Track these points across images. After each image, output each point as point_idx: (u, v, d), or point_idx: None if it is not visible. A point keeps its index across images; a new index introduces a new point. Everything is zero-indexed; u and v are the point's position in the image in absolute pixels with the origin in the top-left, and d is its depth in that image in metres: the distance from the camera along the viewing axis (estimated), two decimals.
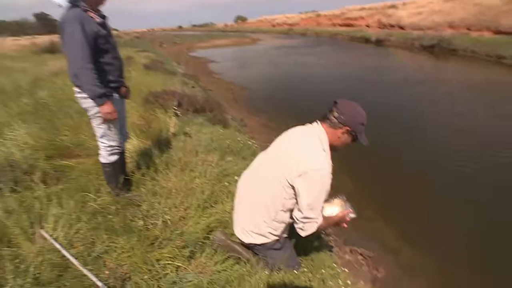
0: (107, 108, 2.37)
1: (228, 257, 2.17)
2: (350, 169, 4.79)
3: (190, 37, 46.80)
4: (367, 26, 35.92)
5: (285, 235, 2.12)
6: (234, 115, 7.58)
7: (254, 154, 3.70)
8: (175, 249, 2.25)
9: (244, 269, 2.07)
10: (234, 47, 31.56)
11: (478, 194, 4.38)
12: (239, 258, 2.15)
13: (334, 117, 1.88)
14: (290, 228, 2.15)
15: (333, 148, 1.94)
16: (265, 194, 1.98)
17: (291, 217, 2.03)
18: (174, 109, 4.27)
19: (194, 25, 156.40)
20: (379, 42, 26.34)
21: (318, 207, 1.87)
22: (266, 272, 2.04)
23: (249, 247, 2.15)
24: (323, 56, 20.98)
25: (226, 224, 2.44)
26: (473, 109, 7.93)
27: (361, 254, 3.51)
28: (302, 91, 11.21)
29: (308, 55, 21.22)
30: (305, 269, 2.24)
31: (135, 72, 8.80)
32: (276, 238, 2.07)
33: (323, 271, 2.27)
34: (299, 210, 1.89)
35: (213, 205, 2.71)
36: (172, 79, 9.06)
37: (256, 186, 2.06)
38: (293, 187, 1.86)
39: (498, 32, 20.38)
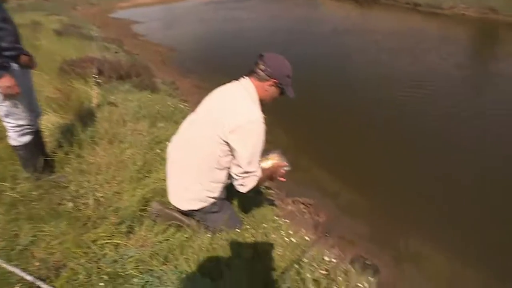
0: (5, 81, 2.04)
1: (169, 226, 2.10)
2: (283, 122, 4.88)
3: None
4: None
5: (222, 197, 2.09)
6: (164, 79, 7.19)
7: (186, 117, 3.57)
8: (111, 226, 2.11)
9: (186, 236, 2.03)
10: (159, 5, 29.31)
11: (405, 133, 4.78)
12: (180, 225, 2.09)
13: (260, 70, 1.87)
14: (227, 189, 2.12)
15: (261, 101, 1.93)
16: (198, 155, 1.92)
17: (227, 176, 2.01)
18: (94, 77, 3.89)
19: None
20: None
21: (256, 160, 1.86)
22: (208, 235, 2.02)
23: (187, 214, 2.09)
24: (253, 9, 20.47)
25: (163, 193, 2.34)
26: (397, 57, 8.37)
27: (302, 203, 3.66)
28: (234, 47, 10.94)
29: (238, 10, 20.53)
30: (247, 226, 2.26)
31: (45, 39, 7.81)
32: (213, 200, 2.04)
33: (265, 225, 2.31)
34: (238, 165, 1.87)
35: (147, 175, 2.58)
36: (90, 44, 8.25)
37: (187, 148, 1.99)
38: (227, 144, 1.83)
39: None
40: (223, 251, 1.99)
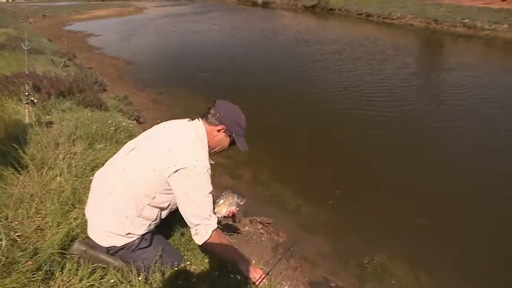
0: None
1: (95, 268, 1.76)
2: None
3: (64, 8, 40.81)
4: None
5: (152, 230, 1.83)
6: (117, 93, 6.73)
7: (132, 136, 3.22)
8: (25, 273, 1.74)
9: (115, 278, 1.69)
10: (117, 17, 28.54)
11: (368, 146, 4.67)
12: (107, 267, 1.75)
13: (211, 114, 1.79)
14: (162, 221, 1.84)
15: (210, 148, 1.82)
16: (130, 186, 1.66)
17: (159, 216, 1.79)
18: (26, 94, 3.45)
19: None
20: (265, 5, 26.65)
21: (204, 210, 1.67)
22: (139, 279, 1.70)
23: (113, 253, 1.76)
24: (213, 22, 20.31)
25: None
26: (355, 65, 8.45)
27: (260, 223, 3.40)
28: (193, 60, 10.64)
29: (197, 22, 20.30)
30: (189, 262, 1.95)
31: None
32: (140, 237, 1.76)
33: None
34: (186, 215, 1.69)
35: (77, 206, 2.21)
36: (36, 59, 7.62)
37: (119, 177, 1.71)
38: (167, 183, 1.65)
39: None
40: None
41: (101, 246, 1.76)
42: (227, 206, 2.00)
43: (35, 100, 3.58)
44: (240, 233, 3.02)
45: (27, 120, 3.42)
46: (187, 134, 1.74)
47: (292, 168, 4.30)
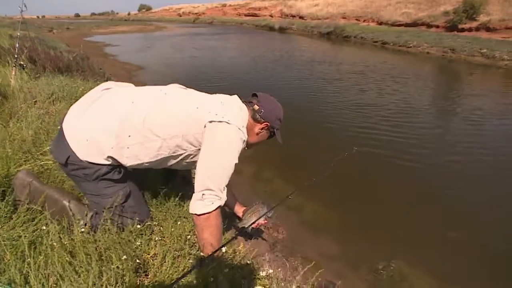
0: None
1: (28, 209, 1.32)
2: None
3: (88, 23, 41.86)
4: (271, 16, 37.16)
5: (130, 171, 1.51)
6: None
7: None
8: None
9: (52, 229, 1.25)
10: (137, 33, 29.13)
11: (387, 151, 4.18)
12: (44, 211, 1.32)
13: (254, 109, 1.68)
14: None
15: (247, 141, 1.68)
16: (155, 117, 1.47)
17: (157, 160, 1.54)
18: (15, 57, 3.13)
19: (94, 14, 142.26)
20: (282, 30, 26.99)
21: (220, 179, 1.47)
22: (85, 229, 1.25)
23: (70, 169, 1.39)
24: (230, 41, 20.46)
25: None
26: (374, 86, 8.11)
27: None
28: (208, 72, 10.39)
29: (214, 40, 20.48)
30: (155, 223, 1.50)
31: None
32: (114, 166, 1.44)
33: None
34: (202, 174, 1.47)
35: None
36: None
37: (145, 105, 1.50)
38: (201, 131, 1.49)
39: (380, 23, 22.87)
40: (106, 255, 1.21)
41: (64, 154, 1.40)
42: (256, 216, 1.97)
43: (25, 65, 3.24)
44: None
45: (12, 82, 3.08)
46: (232, 102, 1.65)
47: (296, 167, 3.83)
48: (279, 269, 2.41)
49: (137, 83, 7.25)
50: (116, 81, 1.97)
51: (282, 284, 2.23)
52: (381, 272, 2.42)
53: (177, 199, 1.89)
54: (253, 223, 1.96)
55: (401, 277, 2.38)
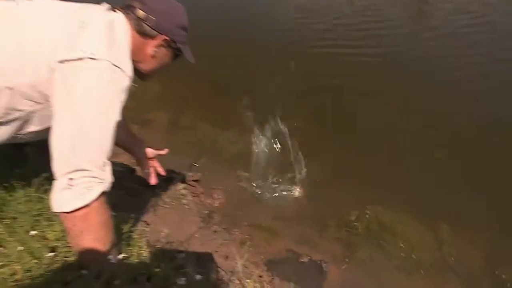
0: None
1: None
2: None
3: None
4: None
5: None
6: None
7: None
8: None
9: None
10: None
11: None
12: None
13: (140, 17, 1.15)
14: None
15: (139, 72, 1.22)
16: None
17: None
18: None
19: None
20: None
21: (103, 144, 1.04)
22: None
23: None
24: None
25: None
26: None
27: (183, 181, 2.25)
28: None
29: None
30: None
31: None
32: None
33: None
34: (60, 148, 1.02)
35: None
36: None
37: None
38: (49, 77, 1.01)
39: None
40: None
41: None
42: None
43: None
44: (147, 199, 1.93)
45: None
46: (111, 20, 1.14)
47: (226, 102, 2.94)
48: (218, 250, 1.81)
49: None
50: None
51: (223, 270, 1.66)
52: (354, 225, 1.87)
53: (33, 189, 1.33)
54: None
55: (380, 226, 1.87)
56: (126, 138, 1.56)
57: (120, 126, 1.13)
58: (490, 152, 2.42)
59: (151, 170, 1.62)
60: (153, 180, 1.61)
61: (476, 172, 2.26)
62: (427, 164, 2.25)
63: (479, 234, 1.83)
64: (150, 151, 1.62)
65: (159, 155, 1.66)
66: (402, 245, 1.82)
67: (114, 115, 1.05)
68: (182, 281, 1.10)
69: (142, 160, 1.61)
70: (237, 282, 1.49)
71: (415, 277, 1.75)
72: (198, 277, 1.20)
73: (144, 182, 2.04)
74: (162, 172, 1.66)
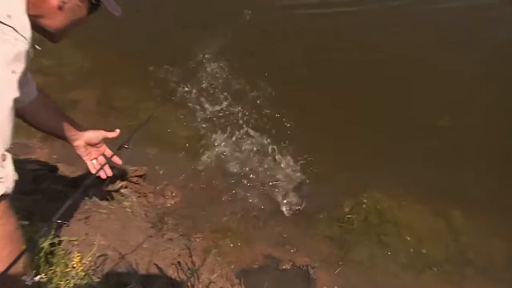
0: None
1: None
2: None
3: None
4: None
5: None
6: None
7: None
8: None
9: None
10: None
11: None
12: None
13: None
14: None
15: (44, 30, 1.00)
16: None
17: None
18: None
19: None
20: None
21: None
22: None
23: None
24: None
25: None
26: None
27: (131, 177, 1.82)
28: None
29: None
30: None
31: None
32: None
33: None
34: None
35: None
36: None
37: None
38: None
39: None
40: None
41: None
42: None
43: None
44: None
45: None
46: None
47: (172, 79, 2.45)
48: (173, 262, 1.46)
49: None
50: None
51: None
52: (349, 218, 1.53)
53: None
54: None
55: (381, 217, 1.55)
56: (52, 120, 1.27)
57: (39, 106, 1.06)
58: (505, 122, 2.21)
59: (99, 159, 1.33)
60: (103, 173, 1.30)
61: (490, 145, 1.99)
62: (430, 136, 1.95)
63: (499, 219, 1.57)
64: (93, 135, 1.32)
65: (107, 138, 1.36)
66: (408, 238, 1.57)
67: (8, 91, 0.83)
68: None
69: (82, 147, 1.32)
70: None
71: (427, 277, 1.52)
72: None
73: (70, 182, 1.66)
74: (118, 161, 1.32)
